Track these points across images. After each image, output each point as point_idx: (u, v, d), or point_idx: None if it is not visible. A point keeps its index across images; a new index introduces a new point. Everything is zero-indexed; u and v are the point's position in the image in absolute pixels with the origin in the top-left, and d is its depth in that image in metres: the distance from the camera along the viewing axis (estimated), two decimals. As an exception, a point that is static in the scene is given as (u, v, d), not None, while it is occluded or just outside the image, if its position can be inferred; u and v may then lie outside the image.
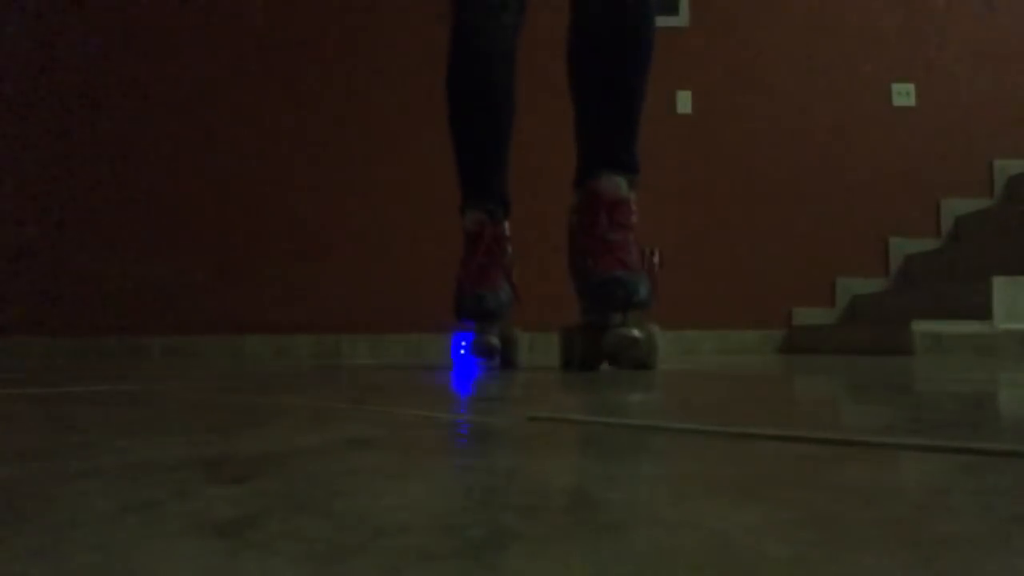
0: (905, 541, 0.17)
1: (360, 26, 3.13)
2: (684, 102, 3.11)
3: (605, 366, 1.36)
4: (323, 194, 3.06)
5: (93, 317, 2.99)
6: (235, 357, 2.96)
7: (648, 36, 1.24)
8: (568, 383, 0.83)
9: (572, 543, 0.17)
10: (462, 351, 1.46)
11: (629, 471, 0.27)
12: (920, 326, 2.21)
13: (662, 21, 3.12)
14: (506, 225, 1.45)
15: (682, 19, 3.15)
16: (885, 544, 0.17)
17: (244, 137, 3.07)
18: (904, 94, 3.16)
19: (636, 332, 1.15)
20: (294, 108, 3.08)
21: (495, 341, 1.40)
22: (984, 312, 2.21)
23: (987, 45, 3.18)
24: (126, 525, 0.19)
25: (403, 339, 3.00)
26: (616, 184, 1.23)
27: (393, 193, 3.07)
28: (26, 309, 2.98)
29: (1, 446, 0.35)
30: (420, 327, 3.02)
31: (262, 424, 0.44)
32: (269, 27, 3.11)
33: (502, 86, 1.40)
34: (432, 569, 0.15)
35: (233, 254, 3.02)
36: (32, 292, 2.99)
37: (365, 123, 3.09)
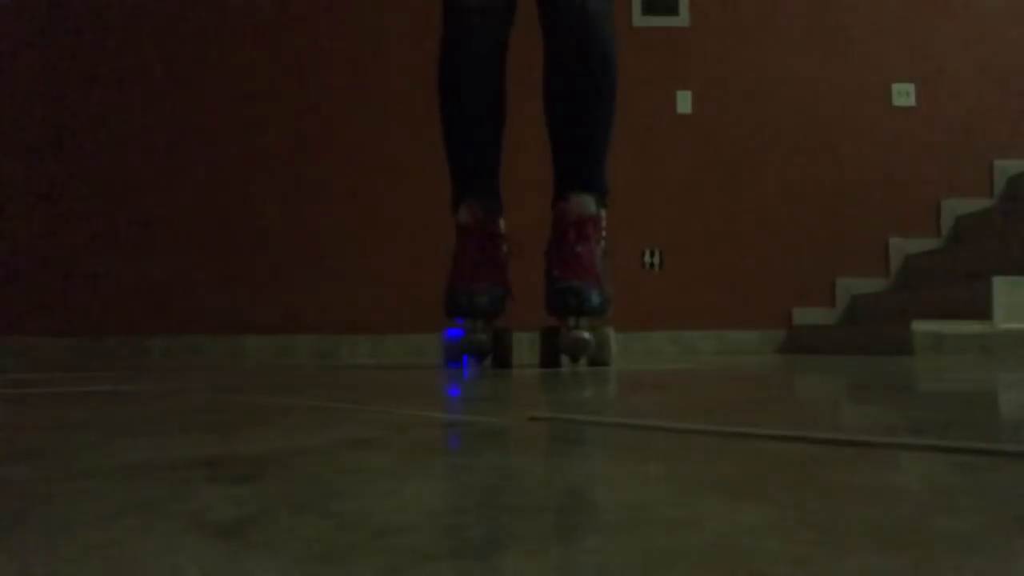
0: (905, 541, 0.17)
1: (359, 29, 3.13)
2: (684, 102, 3.11)
3: (573, 364, 1.50)
4: (323, 194, 3.06)
5: (93, 317, 2.99)
6: (235, 357, 2.96)
7: (609, 76, 1.37)
8: (566, 383, 0.83)
9: (572, 543, 0.17)
10: (453, 349, 1.45)
11: (629, 471, 0.27)
12: (920, 326, 2.21)
13: (662, 21, 3.12)
14: (501, 222, 1.48)
15: (682, 19, 3.15)
16: (885, 544, 0.17)
17: (245, 137, 3.07)
18: (904, 94, 3.16)
19: (586, 334, 1.30)
20: (295, 109, 3.08)
21: (486, 340, 1.42)
22: (984, 312, 2.21)
23: (987, 45, 3.18)
24: (126, 525, 0.19)
25: (403, 339, 3.00)
26: (583, 203, 1.37)
27: (393, 193, 3.07)
28: (27, 309, 2.98)
29: (3, 446, 0.35)
30: (420, 327, 3.02)
31: (262, 424, 0.44)
32: (271, 29, 3.11)
33: (492, 81, 1.44)
34: (432, 569, 0.15)
35: (233, 254, 3.03)
36: (33, 292, 2.99)
37: (364, 124, 3.09)
